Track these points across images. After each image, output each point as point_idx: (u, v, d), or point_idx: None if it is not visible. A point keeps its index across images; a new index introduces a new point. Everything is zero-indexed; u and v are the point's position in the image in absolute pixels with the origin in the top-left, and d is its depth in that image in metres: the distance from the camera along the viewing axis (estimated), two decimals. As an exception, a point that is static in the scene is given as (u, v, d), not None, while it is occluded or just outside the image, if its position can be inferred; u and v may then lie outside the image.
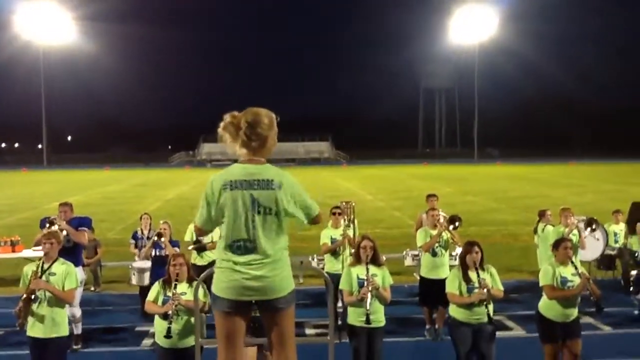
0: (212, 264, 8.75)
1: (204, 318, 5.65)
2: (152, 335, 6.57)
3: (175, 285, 5.57)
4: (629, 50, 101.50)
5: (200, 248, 9.08)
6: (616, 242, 10.65)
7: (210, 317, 6.09)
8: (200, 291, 5.48)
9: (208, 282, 7.86)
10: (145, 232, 9.70)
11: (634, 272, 8.97)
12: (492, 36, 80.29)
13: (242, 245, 3.48)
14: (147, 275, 8.87)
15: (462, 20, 78.89)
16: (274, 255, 3.52)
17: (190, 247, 9.11)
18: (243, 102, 3.83)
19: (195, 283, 5.19)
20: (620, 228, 10.69)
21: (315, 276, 10.75)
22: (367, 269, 5.99)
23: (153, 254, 8.90)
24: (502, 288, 6.01)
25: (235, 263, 3.48)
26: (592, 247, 9.90)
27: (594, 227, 9.23)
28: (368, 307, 5.83)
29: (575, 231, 8.93)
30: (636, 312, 8.66)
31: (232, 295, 3.48)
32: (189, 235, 9.23)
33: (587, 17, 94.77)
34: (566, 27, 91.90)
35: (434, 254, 8.07)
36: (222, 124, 3.62)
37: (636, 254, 9.91)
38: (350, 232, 8.33)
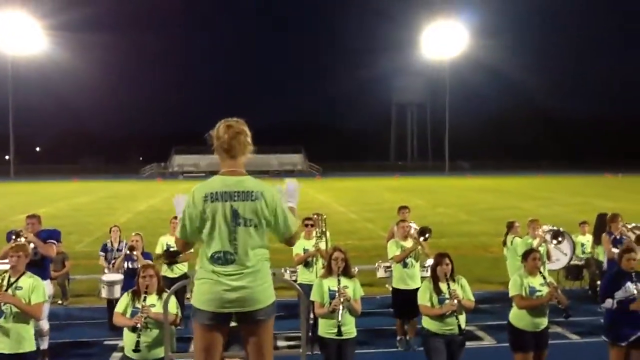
0: (183, 277, 8.71)
1: (173, 331, 5.58)
2: (122, 349, 6.47)
3: (145, 297, 5.50)
4: (598, 63, 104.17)
5: (172, 256, 8.96)
6: (583, 252, 10.87)
7: (180, 330, 6.05)
8: (172, 304, 5.42)
9: (179, 294, 7.80)
10: (115, 245, 9.58)
11: (600, 282, 9.15)
12: (463, 51, 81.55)
13: (222, 257, 3.48)
14: (117, 288, 8.74)
15: (433, 35, 79.98)
16: (255, 266, 3.52)
17: (160, 259, 9.00)
18: (215, 114, 3.85)
19: (165, 295, 5.14)
20: (587, 239, 10.91)
21: (286, 288, 10.72)
22: (339, 281, 6.01)
23: (125, 266, 8.79)
24: (473, 299, 6.09)
25: (217, 275, 3.48)
26: (559, 258, 10.09)
27: (560, 238, 9.41)
28: (339, 319, 5.84)
29: (540, 241, 9.10)
30: (602, 320, 8.83)
31: (213, 307, 3.47)
32: (160, 248, 9.13)
33: (558, 30, 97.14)
34: (536, 40, 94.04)
35: (405, 265, 8.15)
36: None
37: (602, 264, 10.12)
38: (322, 244, 8.37)
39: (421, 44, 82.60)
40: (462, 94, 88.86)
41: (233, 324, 3.63)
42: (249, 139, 3.66)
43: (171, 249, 8.74)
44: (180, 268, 8.95)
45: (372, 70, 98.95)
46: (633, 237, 9.45)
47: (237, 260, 3.49)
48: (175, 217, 7.63)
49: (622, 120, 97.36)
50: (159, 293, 5.65)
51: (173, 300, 5.40)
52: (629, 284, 6.17)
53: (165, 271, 8.88)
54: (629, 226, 9.85)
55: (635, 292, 6.12)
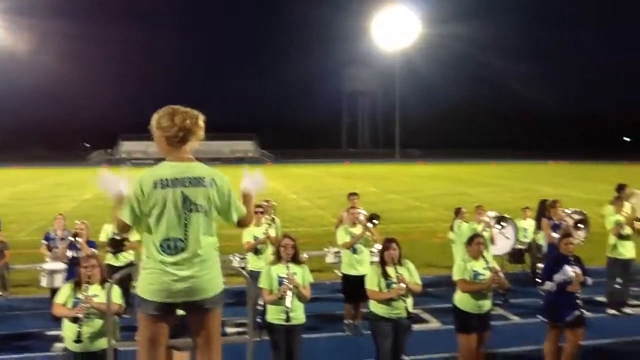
0: (128, 265, 8.55)
1: (117, 320, 5.48)
2: (64, 339, 6.31)
3: (87, 287, 5.37)
4: (548, 52, 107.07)
5: (116, 244, 8.77)
6: (525, 237, 11.22)
7: (123, 320, 5.94)
8: (116, 292, 5.32)
9: (125, 283, 7.64)
10: (59, 233, 9.31)
11: (540, 265, 9.49)
12: (414, 39, 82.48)
13: (172, 245, 3.42)
14: (59, 277, 8.51)
15: (384, 24, 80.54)
16: (204, 255, 3.47)
17: (104, 248, 8.81)
18: (164, 101, 3.73)
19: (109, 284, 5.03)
20: (529, 224, 11.26)
21: (236, 275, 10.68)
22: (288, 267, 6.03)
23: (69, 255, 8.56)
24: (420, 282, 6.21)
25: (165, 264, 3.41)
26: (503, 242, 10.38)
27: (503, 224, 9.68)
28: (288, 305, 5.86)
29: (487, 227, 9.35)
30: (542, 302, 9.17)
31: (160, 297, 3.40)
32: (104, 235, 8.93)
33: (507, 19, 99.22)
34: (488, 29, 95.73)
35: (354, 251, 8.24)
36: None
37: (542, 248, 10.48)
38: (272, 231, 8.38)
39: (372, 33, 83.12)
40: (413, 82, 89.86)
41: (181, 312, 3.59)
42: (199, 125, 3.58)
43: (115, 237, 8.56)
44: (126, 256, 8.79)
45: (324, 58, 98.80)
46: (571, 222, 9.83)
47: (187, 247, 3.43)
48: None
49: (569, 111, 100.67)
50: (102, 282, 5.52)
51: (117, 289, 5.29)
52: (567, 267, 6.43)
53: (110, 259, 8.70)
54: (568, 211, 10.22)
55: (572, 274, 6.37)
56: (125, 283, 7.51)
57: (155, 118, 3.55)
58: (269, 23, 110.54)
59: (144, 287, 3.45)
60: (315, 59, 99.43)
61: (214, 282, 3.51)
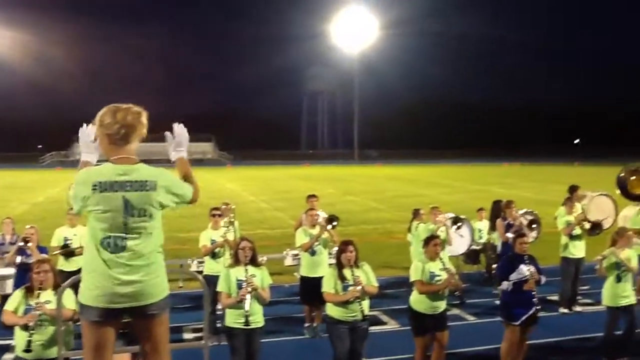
0: (81, 269, 8.34)
1: (71, 327, 5.34)
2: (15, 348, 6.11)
3: (39, 293, 5.22)
4: (506, 53, 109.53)
5: (68, 253, 8.58)
6: (480, 238, 11.44)
7: (78, 327, 5.80)
8: (71, 298, 5.18)
9: (78, 289, 7.45)
10: (8, 238, 9.01)
11: (495, 265, 9.68)
12: (374, 40, 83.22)
13: (112, 243, 3.31)
14: (9, 283, 8.24)
15: (344, 24, 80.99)
16: (148, 259, 3.38)
17: (55, 252, 8.58)
18: (119, 102, 3.62)
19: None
20: (484, 225, 11.48)
21: (194, 279, 10.57)
22: (246, 270, 5.98)
23: (18, 260, 8.29)
24: (376, 284, 6.24)
25: (106, 264, 3.29)
26: (459, 243, 10.56)
27: (459, 224, 9.85)
28: (247, 309, 5.82)
29: (443, 228, 9.50)
30: (497, 302, 9.37)
31: (102, 303, 3.28)
32: (56, 240, 8.70)
33: (465, 19, 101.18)
34: (446, 31, 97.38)
35: (313, 253, 8.24)
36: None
37: (497, 248, 10.70)
38: (230, 234, 8.30)
39: (331, 33, 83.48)
40: (373, 83, 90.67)
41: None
42: (141, 122, 3.47)
43: (68, 243, 8.36)
44: (78, 261, 8.56)
45: (283, 58, 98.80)
46: (525, 222, 10.06)
47: (130, 252, 3.33)
48: (72, 209, 7.28)
49: (524, 112, 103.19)
50: (55, 288, 5.36)
51: (70, 295, 5.15)
52: (522, 266, 6.58)
53: (62, 265, 8.47)
54: (521, 212, 10.47)
55: (527, 273, 6.53)
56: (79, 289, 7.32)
57: (98, 115, 3.45)
58: (229, 22, 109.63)
59: (84, 292, 3.32)
60: (275, 59, 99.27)
61: (159, 287, 3.42)
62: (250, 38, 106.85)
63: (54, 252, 8.57)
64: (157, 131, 3.63)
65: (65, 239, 8.60)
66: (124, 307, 3.33)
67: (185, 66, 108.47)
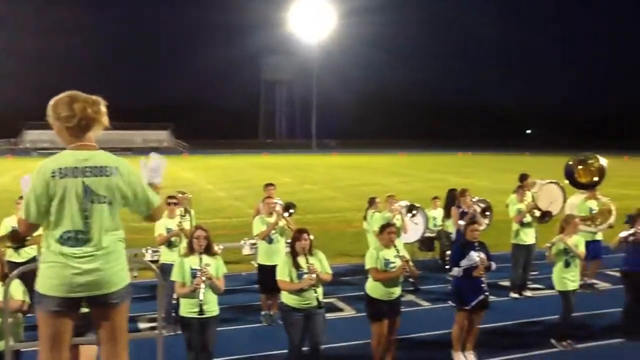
0: (31, 260, 8.12)
1: (20, 319, 5.21)
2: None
3: (-14, 285, 5.07)
4: (460, 45, 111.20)
5: (19, 242, 8.32)
6: (435, 225, 11.67)
7: (29, 318, 5.66)
8: (18, 289, 5.06)
9: (30, 279, 7.26)
10: (-47, 229, 8.69)
11: (449, 252, 9.89)
12: (332, 30, 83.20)
13: (73, 237, 3.27)
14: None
15: (302, 13, 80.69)
16: (109, 247, 3.34)
17: (8, 245, 8.33)
18: (73, 88, 3.53)
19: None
20: (438, 213, 11.71)
21: (149, 268, 10.44)
22: (201, 259, 5.95)
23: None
24: (330, 272, 6.29)
25: (66, 257, 3.25)
26: (414, 231, 10.74)
27: (414, 212, 10.01)
28: (201, 298, 5.79)
29: (398, 216, 9.65)
30: (450, 287, 9.59)
31: (61, 292, 3.24)
32: (4, 230, 8.44)
33: (421, 11, 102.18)
34: (403, 21, 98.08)
35: (270, 241, 8.25)
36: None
37: (451, 236, 10.94)
38: (186, 223, 8.24)
39: (291, 22, 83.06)
40: (331, 73, 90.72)
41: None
42: (102, 112, 3.42)
43: (16, 230, 8.09)
44: (28, 252, 8.34)
45: (241, 47, 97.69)
46: (479, 209, 10.30)
47: (90, 240, 3.30)
48: (22, 197, 7.08)
49: (477, 103, 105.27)
50: (3, 279, 5.22)
51: (17, 285, 5.03)
52: (472, 253, 6.74)
53: (11, 255, 8.22)
54: (474, 200, 10.70)
55: (478, 260, 6.70)
56: (30, 280, 7.13)
57: (51, 107, 3.36)
58: (186, 8, 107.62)
59: (43, 282, 3.27)
60: (233, 47, 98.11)
61: (119, 275, 3.39)
62: (207, 26, 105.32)
63: (3, 242, 8.31)
64: (117, 117, 3.56)
65: (14, 228, 8.35)
66: (83, 296, 3.30)
67: (142, 54, 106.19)
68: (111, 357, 3.45)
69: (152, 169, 3.75)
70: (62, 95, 3.38)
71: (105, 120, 3.45)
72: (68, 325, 3.32)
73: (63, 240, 3.27)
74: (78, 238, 3.28)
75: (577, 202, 10.20)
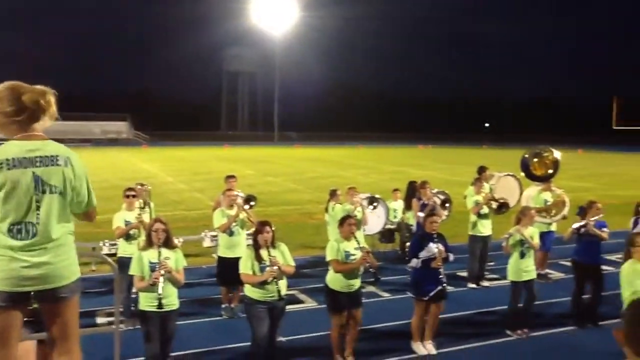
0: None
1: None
2: None
3: None
4: (424, 37, 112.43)
5: None
6: (395, 217, 11.80)
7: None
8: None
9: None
10: None
11: (409, 244, 10.03)
12: (294, 22, 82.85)
13: (22, 229, 3.17)
14: None
15: (264, 5, 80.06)
16: (59, 240, 3.26)
17: None
18: (26, 79, 3.43)
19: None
20: (399, 205, 11.85)
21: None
22: (159, 253, 5.88)
23: None
24: (293, 264, 6.31)
25: (13, 250, 3.15)
26: (375, 222, 10.85)
27: (375, 204, 10.10)
28: (160, 292, 5.73)
29: (359, 208, 9.72)
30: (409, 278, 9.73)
31: (9, 286, 3.14)
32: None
33: (387, 6, 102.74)
34: (365, 15, 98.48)
35: (231, 234, 8.21)
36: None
37: (411, 227, 11.09)
38: (145, 216, 8.11)
39: (253, 14, 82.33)
40: (293, 65, 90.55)
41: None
42: (51, 102, 3.32)
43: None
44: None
45: (203, 38, 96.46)
46: (438, 201, 10.47)
47: (39, 232, 3.21)
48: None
49: (436, 97, 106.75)
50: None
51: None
52: (431, 244, 6.85)
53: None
54: (434, 192, 10.86)
55: (436, 251, 6.81)
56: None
57: None
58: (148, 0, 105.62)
59: None
60: (195, 38, 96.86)
61: (70, 269, 3.32)
62: (169, 16, 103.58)
63: None
64: (71, 110, 3.45)
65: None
66: (32, 291, 3.22)
67: (103, 45, 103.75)
68: (63, 353, 3.37)
69: None
70: (4, 86, 3.25)
71: (54, 111, 3.35)
72: (16, 320, 3.22)
73: (12, 233, 3.17)
74: (28, 230, 3.19)
75: (533, 194, 10.46)
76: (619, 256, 9.51)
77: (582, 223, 8.00)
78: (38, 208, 3.20)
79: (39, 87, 3.32)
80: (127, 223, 7.99)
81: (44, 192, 3.22)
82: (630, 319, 2.00)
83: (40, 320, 3.66)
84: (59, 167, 3.25)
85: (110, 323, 7.63)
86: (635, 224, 8.53)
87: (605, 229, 8.09)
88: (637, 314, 2.01)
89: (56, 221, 3.27)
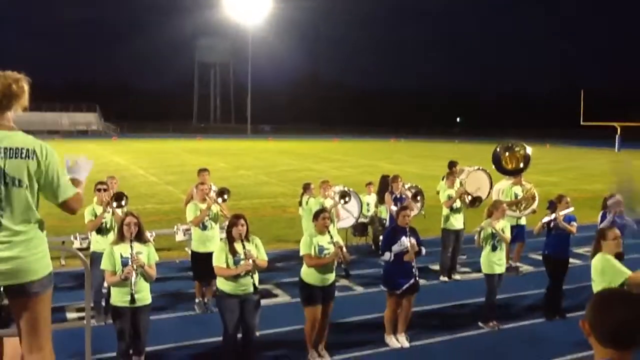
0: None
1: None
2: None
3: None
4: (393, 34, 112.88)
5: None
6: (368, 211, 11.86)
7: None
8: None
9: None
10: None
11: (382, 237, 10.10)
12: (267, 14, 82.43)
13: None
14: None
15: (236, -4, 79.50)
16: (27, 233, 3.19)
17: None
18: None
19: None
20: (372, 198, 11.90)
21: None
22: (132, 247, 5.81)
23: None
24: (266, 258, 6.30)
25: None
26: (348, 216, 10.88)
27: (347, 199, 10.12)
28: (133, 287, 5.67)
29: (332, 202, 9.73)
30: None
31: None
32: None
33: (360, 1, 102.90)
34: (337, 8, 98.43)
35: (204, 227, 8.15)
36: None
37: (384, 221, 11.16)
38: (117, 209, 7.98)
39: (225, 5, 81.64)
40: (265, 57, 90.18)
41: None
42: (24, 89, 3.25)
43: None
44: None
45: (174, 27, 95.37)
46: (410, 194, 10.55)
47: (5, 226, 3.14)
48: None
49: (409, 92, 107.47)
50: None
51: None
52: (403, 238, 6.89)
53: None
54: (407, 186, 10.95)
55: (408, 245, 6.86)
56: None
57: None
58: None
59: None
60: (167, 28, 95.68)
61: (40, 263, 3.25)
62: (140, 6, 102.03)
63: None
64: (42, 99, 3.37)
65: None
66: (1, 285, 3.16)
67: (73, 33, 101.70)
68: (34, 350, 3.32)
69: (78, 167, 3.54)
70: None
71: (26, 99, 3.28)
72: None
73: None
74: None
75: (504, 188, 10.61)
76: (586, 249, 9.74)
77: (552, 217, 8.14)
78: (2, 201, 3.13)
79: (13, 73, 3.25)
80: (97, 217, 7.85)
81: (6, 184, 3.14)
82: (595, 306, 2.05)
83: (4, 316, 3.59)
84: (24, 160, 3.17)
85: (80, 318, 7.53)
86: (603, 217, 8.71)
87: (574, 223, 8.24)
88: (602, 302, 2.06)
89: (23, 214, 3.19)
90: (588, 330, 2.05)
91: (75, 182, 3.48)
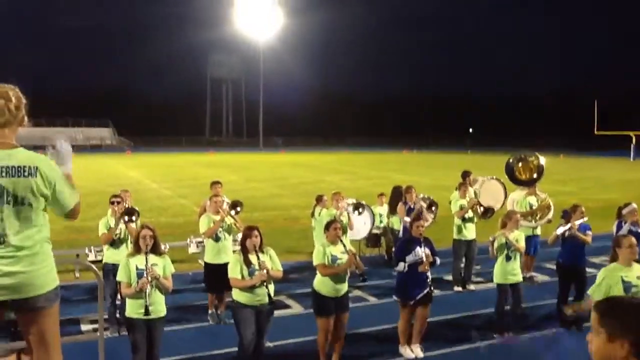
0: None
1: None
2: None
3: None
4: (403, 45, 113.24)
5: None
6: (381, 222, 11.84)
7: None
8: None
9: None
10: None
11: (395, 248, 10.07)
12: (279, 28, 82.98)
13: None
14: None
15: (249, 11, 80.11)
16: (32, 249, 3.18)
17: None
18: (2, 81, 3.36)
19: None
20: (384, 209, 11.89)
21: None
22: (147, 259, 5.85)
23: None
24: (281, 268, 6.32)
25: None
26: (361, 227, 10.87)
27: (360, 210, 10.14)
28: (147, 299, 5.69)
29: (345, 213, 9.74)
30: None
31: None
32: None
33: (369, 12, 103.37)
34: (349, 21, 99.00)
35: (217, 239, 8.19)
36: None
37: (397, 232, 11.13)
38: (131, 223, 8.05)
39: (237, 20, 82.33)
40: (277, 71, 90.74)
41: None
42: (21, 108, 3.22)
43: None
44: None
45: (187, 44, 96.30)
46: (425, 204, 10.52)
47: (7, 242, 3.13)
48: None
49: (419, 101, 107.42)
50: None
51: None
52: (417, 248, 6.88)
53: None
54: (420, 196, 10.92)
55: (422, 255, 6.84)
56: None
57: None
58: (132, 1, 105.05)
59: None
60: (180, 42, 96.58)
61: (46, 278, 3.24)
62: (153, 21, 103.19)
63: None
64: (51, 114, 3.39)
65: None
66: (6, 300, 3.15)
67: (87, 48, 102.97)
68: None
69: (60, 157, 3.44)
70: None
71: (24, 117, 3.26)
72: None
73: None
74: None
75: (518, 198, 10.55)
76: (603, 259, 9.65)
77: (567, 227, 8.08)
78: (3, 219, 3.12)
79: (5, 88, 3.21)
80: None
81: (9, 203, 3.13)
82: (608, 301, 2.03)
83: (11, 330, 3.60)
84: (27, 178, 3.15)
85: (94, 330, 7.57)
86: (619, 227, 8.63)
87: (589, 232, 8.18)
88: (614, 299, 2.04)
89: (26, 231, 3.19)
90: (628, 350, 1.86)
91: (68, 177, 3.42)
